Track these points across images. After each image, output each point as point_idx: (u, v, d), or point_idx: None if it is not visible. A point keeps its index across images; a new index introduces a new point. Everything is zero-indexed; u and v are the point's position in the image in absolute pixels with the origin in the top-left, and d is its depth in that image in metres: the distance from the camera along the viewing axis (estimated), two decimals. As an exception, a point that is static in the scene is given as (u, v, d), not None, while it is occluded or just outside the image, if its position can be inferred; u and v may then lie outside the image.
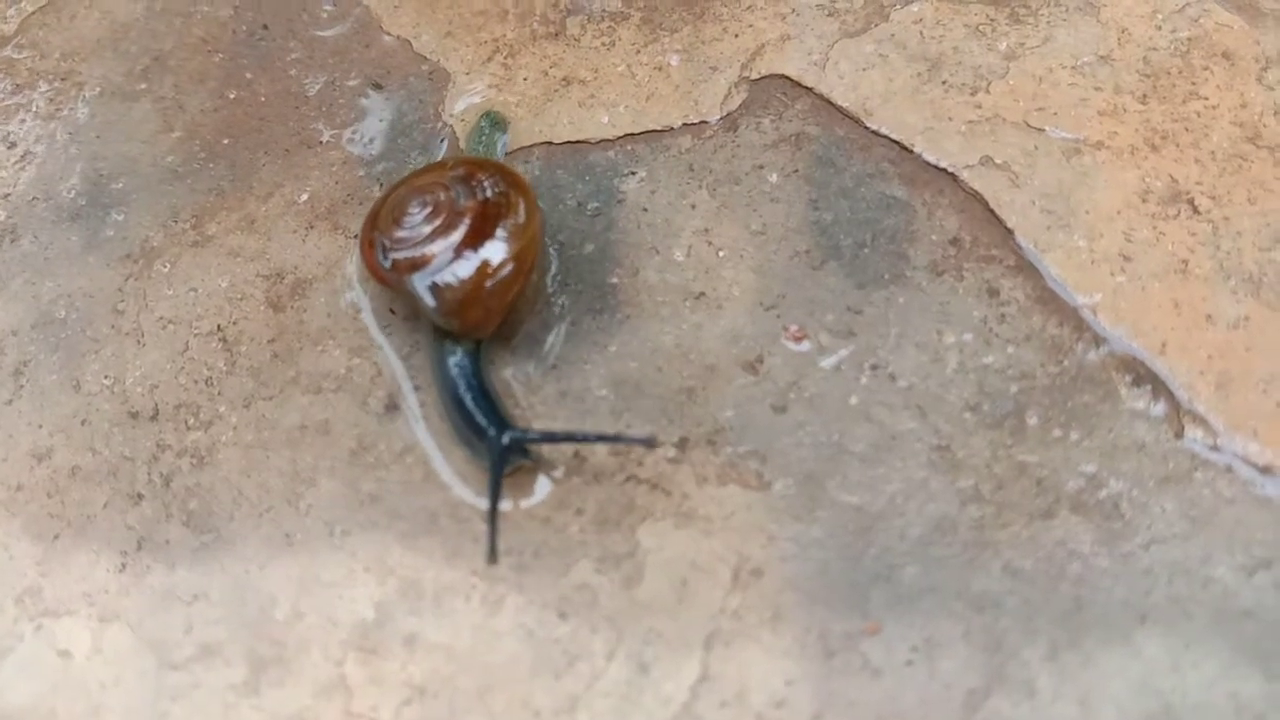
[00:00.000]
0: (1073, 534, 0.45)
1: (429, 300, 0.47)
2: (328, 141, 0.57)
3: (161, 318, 0.53)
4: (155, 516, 0.48)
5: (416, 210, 0.48)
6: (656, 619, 0.44)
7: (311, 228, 0.54)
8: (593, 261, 0.52)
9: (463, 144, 0.55)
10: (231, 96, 0.59)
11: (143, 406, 0.51)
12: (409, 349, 0.51)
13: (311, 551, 0.47)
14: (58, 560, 0.48)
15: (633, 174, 0.54)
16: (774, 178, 0.54)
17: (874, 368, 0.49)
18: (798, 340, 0.50)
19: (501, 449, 0.46)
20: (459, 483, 0.48)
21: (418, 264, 0.47)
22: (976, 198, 0.52)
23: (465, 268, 0.47)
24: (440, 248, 0.47)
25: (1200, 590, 0.44)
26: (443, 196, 0.48)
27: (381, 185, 0.55)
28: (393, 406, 0.49)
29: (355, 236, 0.54)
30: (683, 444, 0.48)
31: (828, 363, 0.49)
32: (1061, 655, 0.43)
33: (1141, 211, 0.52)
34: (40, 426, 0.51)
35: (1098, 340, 0.49)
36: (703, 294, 0.51)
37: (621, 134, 0.55)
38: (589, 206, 0.54)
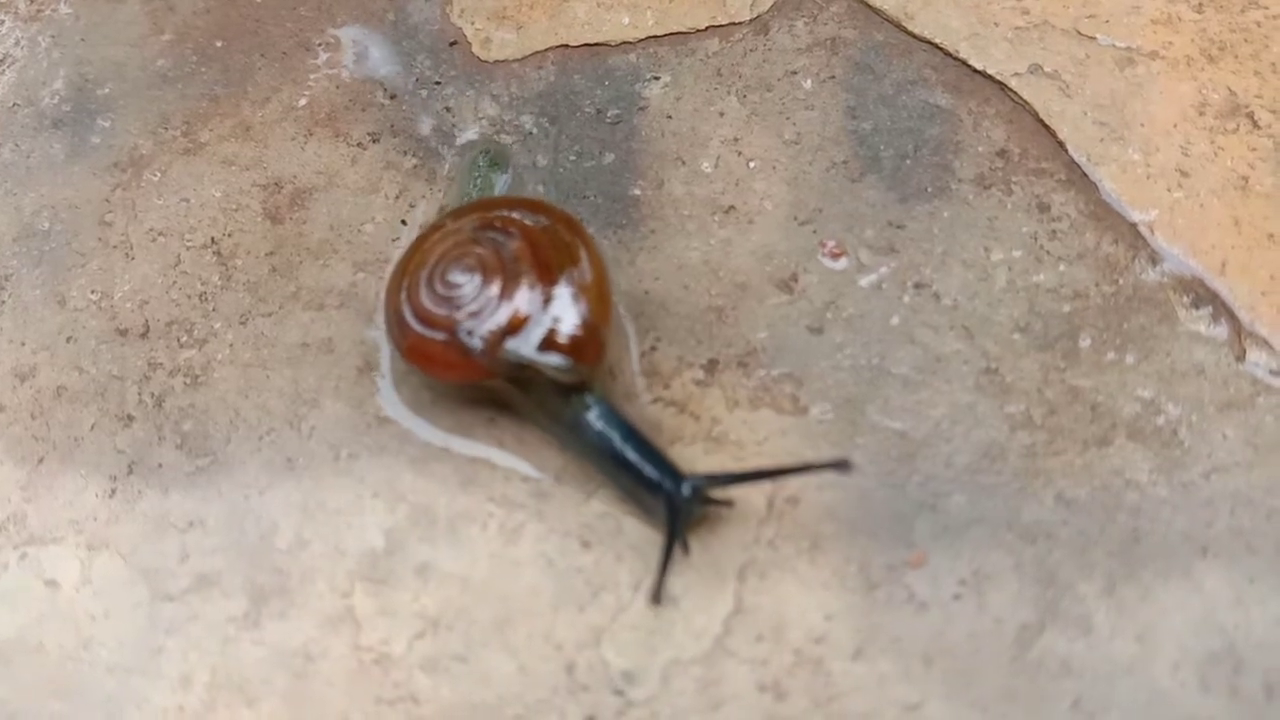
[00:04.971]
0: (1129, 462, 0.43)
1: (547, 358, 0.41)
2: (328, 43, 0.53)
3: (151, 229, 0.49)
4: (147, 439, 0.45)
5: (464, 279, 0.42)
6: (686, 549, 0.42)
7: (311, 134, 0.51)
8: (613, 173, 0.49)
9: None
10: (224, -4, 0.55)
11: (132, 323, 0.47)
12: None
13: (316, 476, 0.44)
14: (43, 485, 0.45)
15: (656, 79, 0.51)
16: (808, 84, 0.50)
17: (917, 286, 0.46)
18: (835, 257, 0.47)
19: (684, 502, 0.41)
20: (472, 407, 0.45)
21: (509, 331, 0.41)
22: (1025, 107, 0.49)
23: (560, 305, 0.42)
24: (523, 302, 0.42)
25: (1264, 522, 0.41)
26: (481, 251, 0.43)
27: (385, 90, 0.52)
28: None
29: (381, 283, 0.47)
30: (711, 366, 0.45)
31: (867, 281, 0.46)
32: (1119, 589, 0.40)
33: (1199, 125, 0.49)
34: (23, 344, 0.48)
35: (1154, 259, 0.46)
36: (732, 207, 0.48)
37: (644, 36, 0.52)
38: (609, 114, 0.50)
